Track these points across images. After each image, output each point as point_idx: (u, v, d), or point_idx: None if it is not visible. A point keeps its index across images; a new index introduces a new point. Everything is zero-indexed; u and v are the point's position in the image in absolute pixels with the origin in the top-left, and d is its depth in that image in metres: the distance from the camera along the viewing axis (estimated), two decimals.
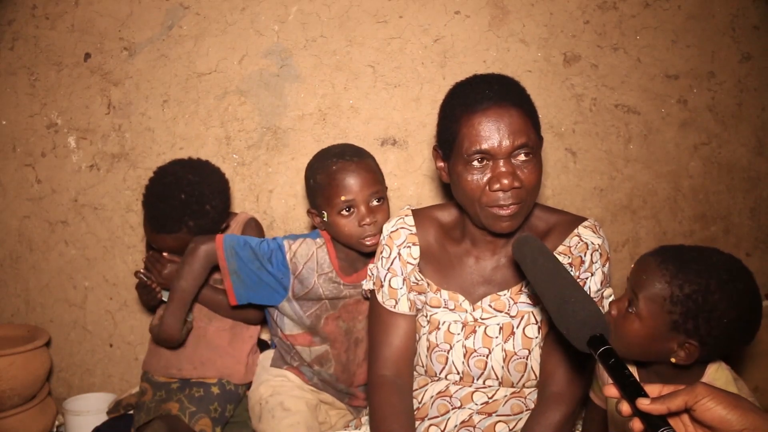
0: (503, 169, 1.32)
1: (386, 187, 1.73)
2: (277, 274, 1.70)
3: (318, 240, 1.74)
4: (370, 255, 1.71)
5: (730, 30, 2.27)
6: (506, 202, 1.33)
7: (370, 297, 1.58)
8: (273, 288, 1.72)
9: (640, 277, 1.29)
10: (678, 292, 1.24)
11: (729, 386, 1.32)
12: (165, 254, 1.84)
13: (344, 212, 1.63)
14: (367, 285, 1.58)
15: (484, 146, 1.32)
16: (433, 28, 2.19)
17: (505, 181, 1.31)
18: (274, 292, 1.73)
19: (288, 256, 1.71)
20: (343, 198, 1.62)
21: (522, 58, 2.20)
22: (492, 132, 1.31)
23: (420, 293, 1.50)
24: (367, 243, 1.65)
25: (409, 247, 1.51)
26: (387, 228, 1.55)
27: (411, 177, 2.24)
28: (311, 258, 1.72)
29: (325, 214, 1.67)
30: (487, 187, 1.33)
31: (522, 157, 1.33)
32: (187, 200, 1.77)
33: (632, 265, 1.35)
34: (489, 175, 1.33)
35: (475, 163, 1.34)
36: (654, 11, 2.23)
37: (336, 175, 1.63)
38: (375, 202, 1.65)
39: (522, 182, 1.33)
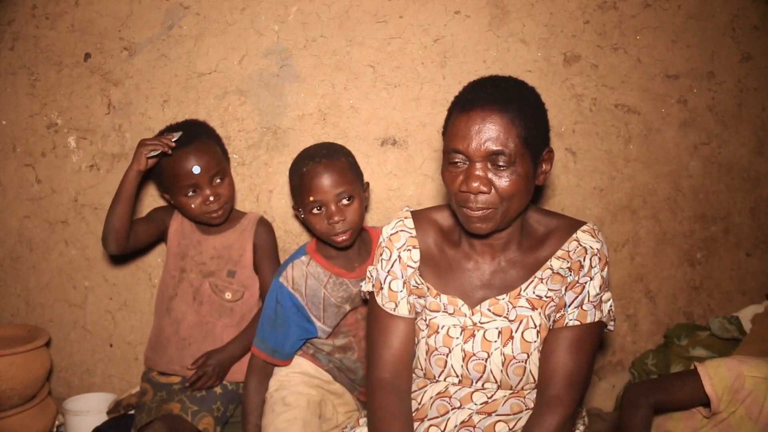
0: (474, 172, 1.33)
1: (362, 185, 1.84)
2: (296, 319, 1.81)
3: (304, 258, 1.84)
4: (365, 249, 1.86)
5: (730, 30, 2.27)
6: (474, 204, 1.35)
7: (369, 299, 1.58)
8: (305, 329, 1.83)
9: None
10: None
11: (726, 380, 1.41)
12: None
13: (315, 211, 1.75)
14: (366, 287, 1.58)
15: (458, 146, 1.34)
16: (433, 28, 2.18)
17: (473, 184, 1.33)
18: (306, 332, 1.84)
19: (289, 288, 1.81)
20: (311, 198, 1.73)
21: (522, 58, 2.20)
22: (467, 133, 1.32)
23: (420, 297, 1.50)
24: (338, 240, 1.77)
25: (410, 250, 1.50)
26: (386, 230, 1.55)
27: (411, 177, 2.24)
28: (308, 276, 1.81)
29: (301, 211, 1.80)
30: (461, 186, 1.35)
31: (498, 165, 1.32)
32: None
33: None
34: (463, 175, 1.35)
35: (455, 160, 1.36)
36: (654, 11, 2.23)
37: (305, 177, 1.75)
38: (345, 201, 1.74)
39: (495, 189, 1.33)
